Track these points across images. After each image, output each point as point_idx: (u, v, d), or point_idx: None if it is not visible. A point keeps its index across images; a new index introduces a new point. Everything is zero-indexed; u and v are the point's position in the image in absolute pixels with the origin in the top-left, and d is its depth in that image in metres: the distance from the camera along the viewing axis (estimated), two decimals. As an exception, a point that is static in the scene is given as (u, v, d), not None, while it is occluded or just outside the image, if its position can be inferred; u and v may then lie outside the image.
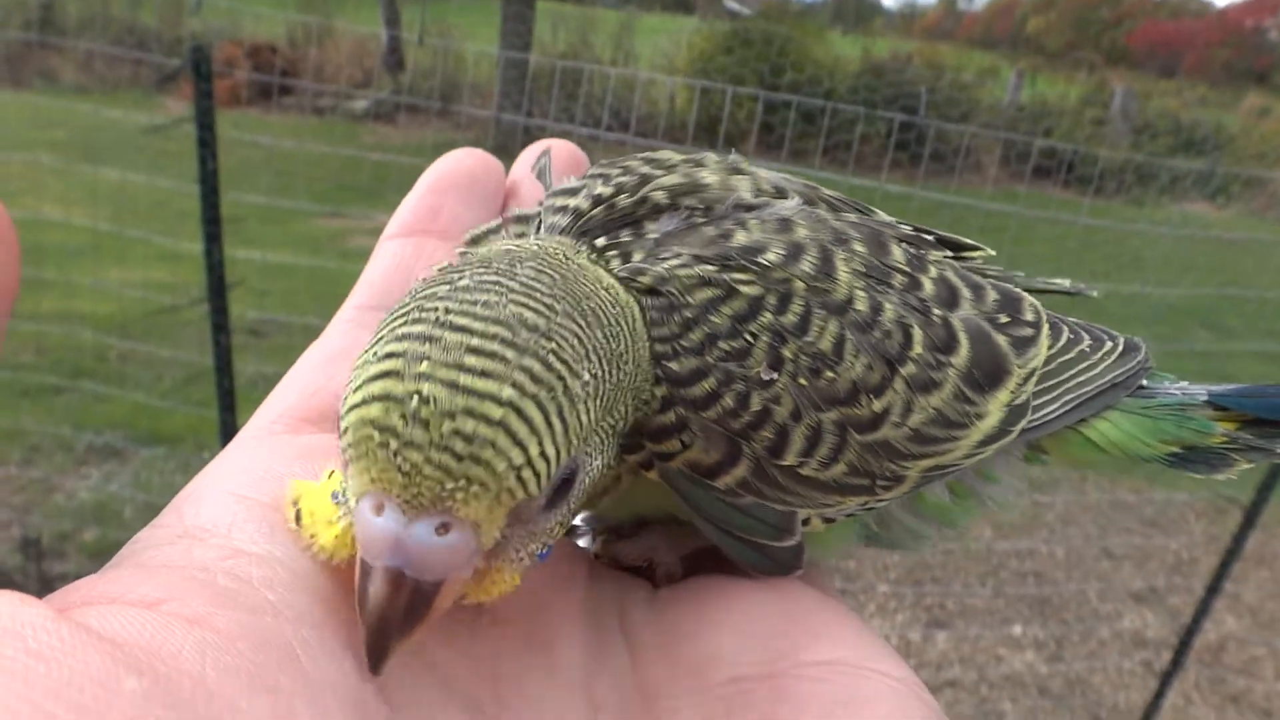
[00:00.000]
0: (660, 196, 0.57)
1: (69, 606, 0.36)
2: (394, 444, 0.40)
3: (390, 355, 0.42)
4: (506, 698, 0.47)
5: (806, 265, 0.54)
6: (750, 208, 0.57)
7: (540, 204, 0.60)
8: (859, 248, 0.57)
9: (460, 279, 0.46)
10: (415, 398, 0.41)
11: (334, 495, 0.46)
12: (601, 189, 0.58)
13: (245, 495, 0.46)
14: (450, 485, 0.40)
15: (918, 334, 0.56)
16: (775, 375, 0.51)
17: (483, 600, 0.46)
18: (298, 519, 0.45)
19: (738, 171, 0.60)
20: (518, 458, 0.41)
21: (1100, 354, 0.66)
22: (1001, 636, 3.98)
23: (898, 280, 0.58)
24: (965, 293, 0.61)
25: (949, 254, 0.67)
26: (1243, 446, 0.66)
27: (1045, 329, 0.64)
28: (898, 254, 0.59)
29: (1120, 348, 0.67)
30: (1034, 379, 0.61)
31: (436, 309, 0.44)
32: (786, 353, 0.52)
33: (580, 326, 0.46)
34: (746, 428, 0.51)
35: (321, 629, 0.41)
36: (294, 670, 0.38)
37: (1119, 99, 12.53)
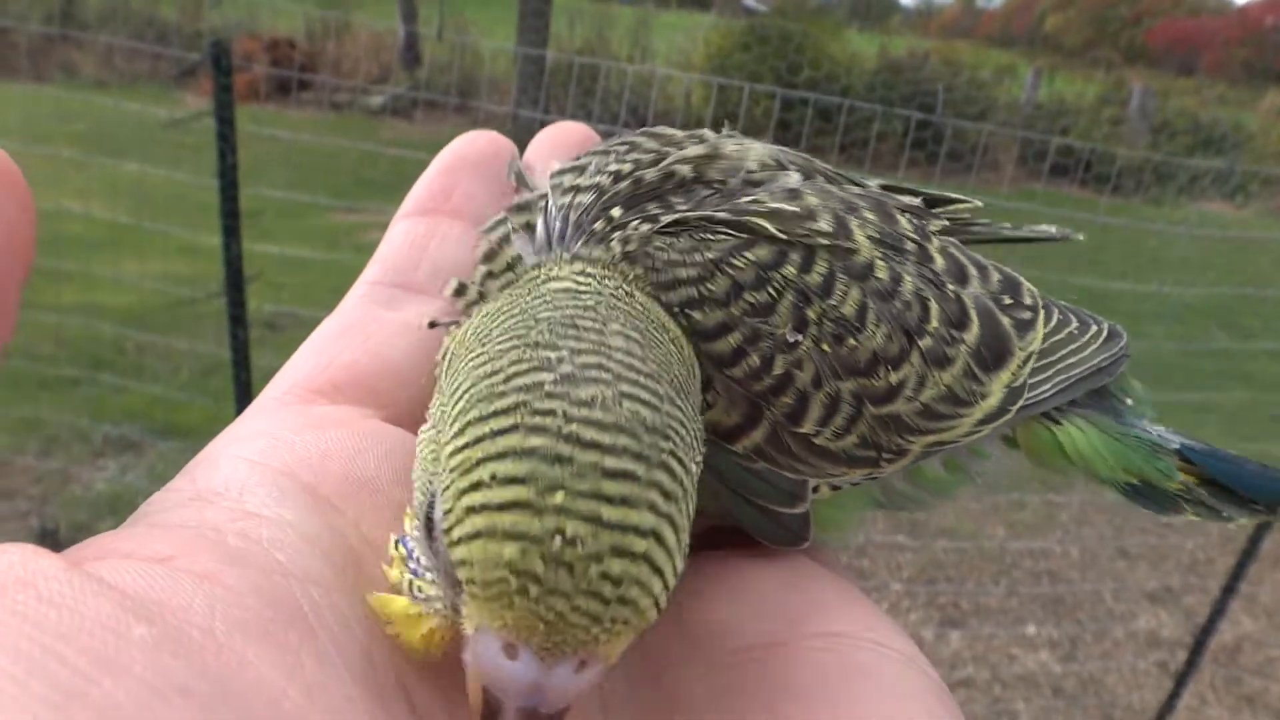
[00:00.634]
0: (686, 170, 0.56)
1: (82, 560, 0.36)
2: (534, 591, 0.38)
3: (514, 480, 0.39)
4: None
5: (824, 224, 0.54)
6: (757, 183, 0.57)
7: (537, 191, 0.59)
8: (870, 216, 0.57)
9: (560, 362, 0.42)
10: (558, 538, 0.38)
11: (401, 540, 0.45)
12: (617, 165, 0.57)
13: (257, 461, 0.46)
14: (595, 630, 0.38)
15: (935, 308, 0.56)
16: (800, 338, 0.51)
17: None
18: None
19: (739, 145, 0.60)
20: (658, 587, 0.39)
21: (1087, 337, 0.67)
22: (1015, 636, 3.97)
23: (911, 250, 0.58)
24: (972, 271, 0.61)
25: (941, 210, 0.67)
26: (1195, 500, 0.67)
27: (1042, 314, 0.64)
28: (905, 224, 0.59)
29: (1105, 332, 0.68)
30: (1031, 362, 0.62)
31: (553, 413, 0.40)
32: (811, 314, 0.51)
33: (681, 407, 0.43)
34: (768, 391, 0.51)
35: (330, 591, 0.41)
36: (302, 628, 0.38)
37: (1137, 97, 12.44)
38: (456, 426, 0.41)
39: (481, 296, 0.54)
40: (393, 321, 0.58)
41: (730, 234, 0.52)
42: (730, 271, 0.51)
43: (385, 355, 0.56)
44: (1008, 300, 0.62)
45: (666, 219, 0.53)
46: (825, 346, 0.51)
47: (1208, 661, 3.58)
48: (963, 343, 0.57)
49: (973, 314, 0.58)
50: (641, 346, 0.45)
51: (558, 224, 0.55)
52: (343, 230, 6.56)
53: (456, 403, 0.42)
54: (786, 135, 5.20)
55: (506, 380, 0.41)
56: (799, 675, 0.45)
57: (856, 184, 0.64)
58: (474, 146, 0.66)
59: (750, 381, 0.50)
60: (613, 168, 0.57)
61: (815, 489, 0.55)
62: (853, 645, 0.47)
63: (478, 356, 0.44)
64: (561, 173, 0.59)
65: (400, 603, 0.43)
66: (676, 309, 0.50)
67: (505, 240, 0.56)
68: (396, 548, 0.46)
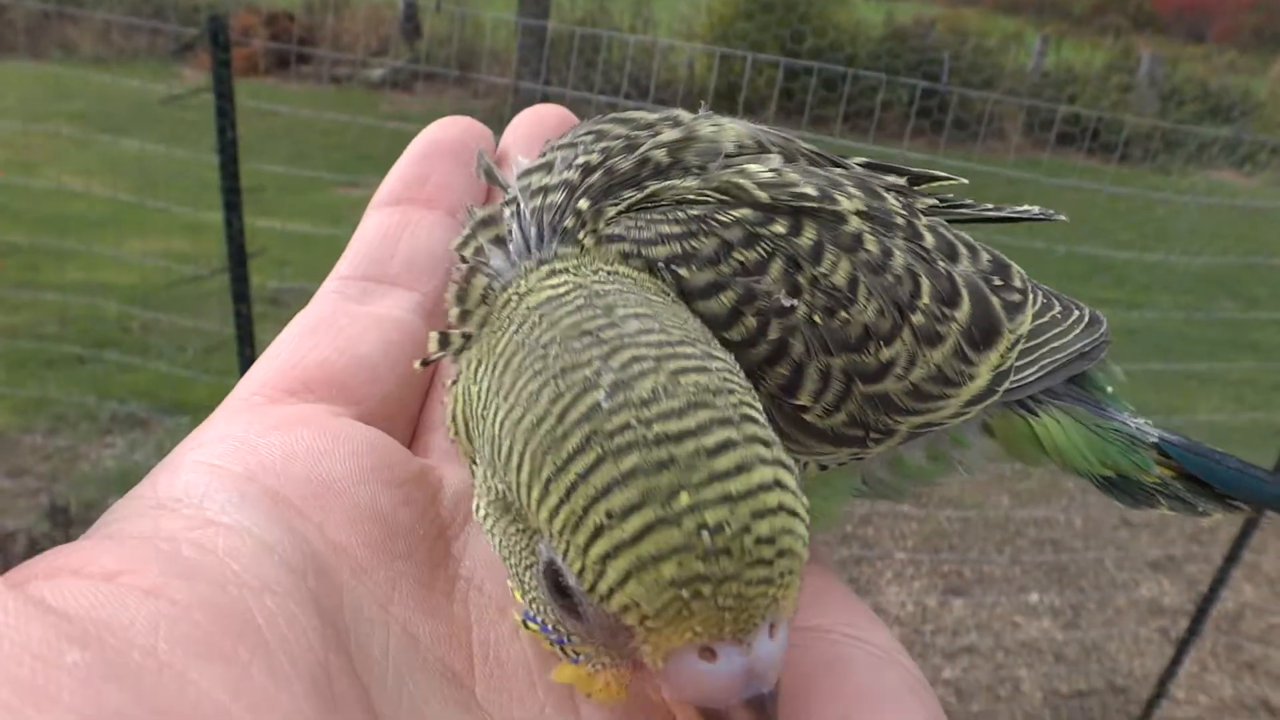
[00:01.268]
0: (661, 155, 0.54)
1: (30, 578, 0.36)
2: (707, 590, 0.38)
3: (629, 509, 0.38)
4: (482, 664, 0.47)
5: (810, 190, 0.53)
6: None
7: (503, 200, 0.56)
8: (855, 191, 0.56)
9: (599, 375, 0.41)
10: (704, 533, 0.37)
11: (527, 617, 0.45)
12: (585, 157, 0.54)
13: (219, 465, 0.46)
14: (773, 591, 0.38)
15: (926, 284, 0.55)
16: (795, 303, 0.50)
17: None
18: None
19: (718, 126, 0.58)
20: (801, 527, 0.39)
21: (1069, 322, 0.66)
22: (1018, 604, 3.99)
23: (900, 225, 0.56)
24: (962, 250, 0.60)
25: (926, 188, 0.66)
26: (1171, 495, 0.67)
27: (1031, 298, 0.63)
28: (893, 202, 0.58)
29: (1086, 318, 0.67)
30: (1019, 345, 0.61)
31: (628, 426, 0.39)
32: (802, 280, 0.50)
33: (721, 357, 0.43)
34: (763, 361, 0.50)
35: (286, 598, 0.40)
36: (253, 639, 0.37)
37: (1146, 65, 12.31)
38: (538, 491, 0.40)
39: (466, 339, 0.51)
40: (365, 316, 0.57)
41: (712, 196, 0.51)
42: (717, 228, 0.50)
43: (357, 351, 0.55)
44: (998, 281, 0.61)
45: (636, 196, 0.52)
46: (817, 318, 0.50)
47: (1209, 629, 3.59)
48: (954, 321, 0.56)
49: (964, 292, 0.57)
50: (653, 319, 0.44)
51: (532, 229, 0.52)
52: (345, 205, 6.55)
53: (520, 469, 0.41)
54: (790, 105, 5.16)
55: (560, 420, 0.40)
56: None
57: (839, 164, 0.62)
58: (449, 133, 0.64)
59: (745, 348, 0.49)
60: (581, 160, 0.54)
61: (804, 466, 0.54)
62: (828, 640, 0.47)
63: (510, 412, 0.42)
64: (529, 173, 0.57)
65: (569, 669, 0.44)
66: (662, 264, 0.49)
67: (472, 273, 0.53)
68: (526, 626, 0.46)
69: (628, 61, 4.94)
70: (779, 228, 0.50)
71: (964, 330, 0.56)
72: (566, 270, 0.50)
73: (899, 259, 0.54)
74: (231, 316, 2.93)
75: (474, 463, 0.49)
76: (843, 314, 0.51)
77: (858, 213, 0.54)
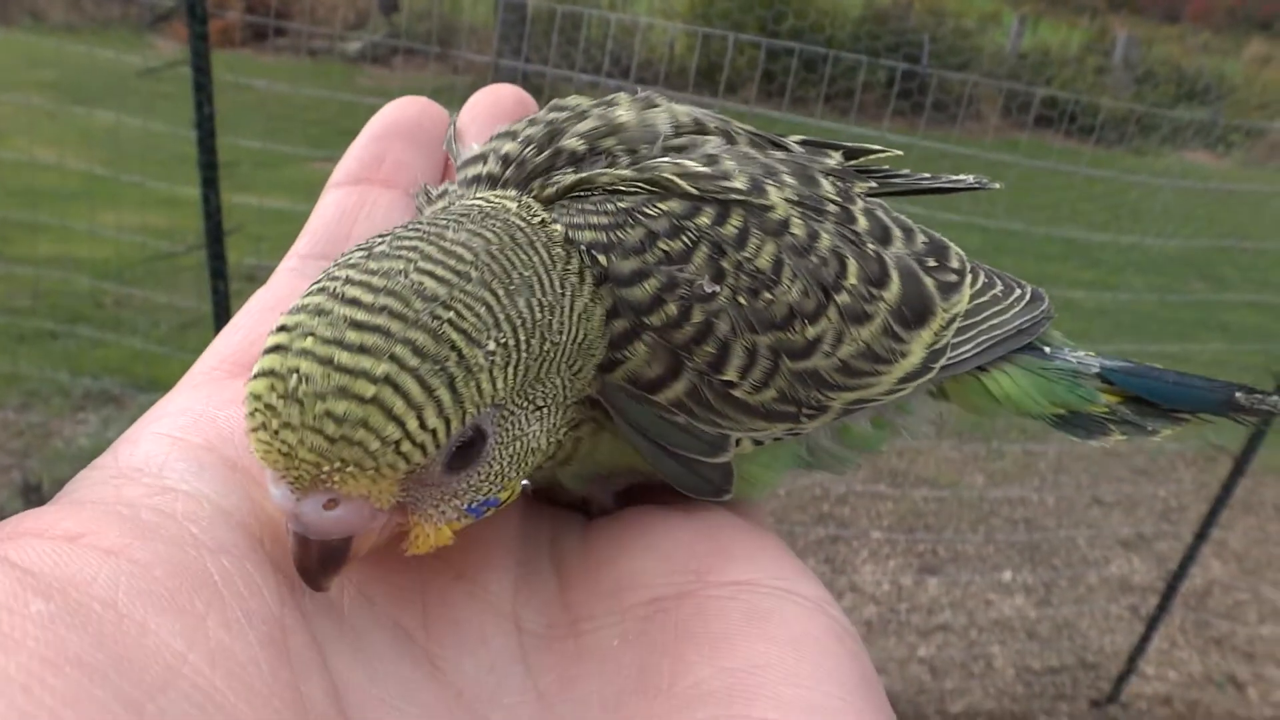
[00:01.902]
0: (575, 144, 0.56)
1: None
2: (274, 424, 0.41)
3: (283, 328, 0.43)
4: (434, 624, 0.49)
5: (739, 184, 0.54)
6: (678, 149, 0.57)
7: (439, 191, 0.60)
8: (789, 180, 0.58)
9: (380, 244, 0.46)
10: (295, 375, 0.41)
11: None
12: (509, 147, 0.57)
13: (179, 437, 0.48)
14: (326, 467, 0.41)
15: (852, 265, 0.57)
16: (717, 289, 0.52)
17: (418, 552, 0.48)
18: None
19: (652, 106, 0.60)
20: (393, 433, 0.42)
21: (1010, 300, 0.68)
22: (992, 582, 4.05)
23: (831, 211, 0.58)
24: (897, 232, 0.62)
25: (862, 161, 0.68)
26: (1120, 420, 0.69)
27: (969, 278, 0.65)
28: (828, 187, 0.60)
29: (1027, 296, 0.69)
30: (955, 324, 0.63)
31: (338, 278, 0.44)
32: (726, 265, 0.52)
33: (495, 295, 0.45)
34: (690, 341, 0.51)
35: (243, 560, 0.42)
36: (209, 595, 0.39)
37: (1121, 46, 12.36)
38: None
39: None
40: None
41: (642, 188, 0.53)
42: (644, 220, 0.52)
43: None
44: (933, 262, 0.63)
45: (569, 179, 0.53)
46: (742, 300, 0.52)
47: (1178, 606, 3.67)
48: (882, 300, 0.58)
49: (893, 273, 0.59)
50: (486, 244, 0.47)
51: None
52: (322, 180, 6.44)
53: None
54: (771, 87, 5.15)
55: (342, 257, 0.46)
56: (703, 623, 0.47)
57: (780, 146, 0.64)
58: (405, 113, 0.65)
59: (670, 330, 0.51)
60: (504, 150, 0.57)
61: (738, 442, 0.56)
62: (755, 591, 0.49)
63: None
64: (466, 164, 0.59)
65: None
66: (584, 249, 0.51)
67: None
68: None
69: (609, 40, 4.91)
70: (704, 219, 0.53)
71: (893, 309, 0.58)
72: (503, 200, 0.53)
73: (825, 241, 0.56)
74: (208, 293, 2.90)
75: None
76: (767, 294, 0.53)
77: (787, 200, 0.56)
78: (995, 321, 0.66)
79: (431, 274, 0.44)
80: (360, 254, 0.46)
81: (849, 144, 0.68)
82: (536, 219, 0.52)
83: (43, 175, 4.79)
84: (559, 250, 0.51)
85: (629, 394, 0.53)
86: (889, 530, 4.27)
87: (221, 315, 2.91)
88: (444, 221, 0.49)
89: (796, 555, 0.54)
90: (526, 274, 0.48)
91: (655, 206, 0.52)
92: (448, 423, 0.43)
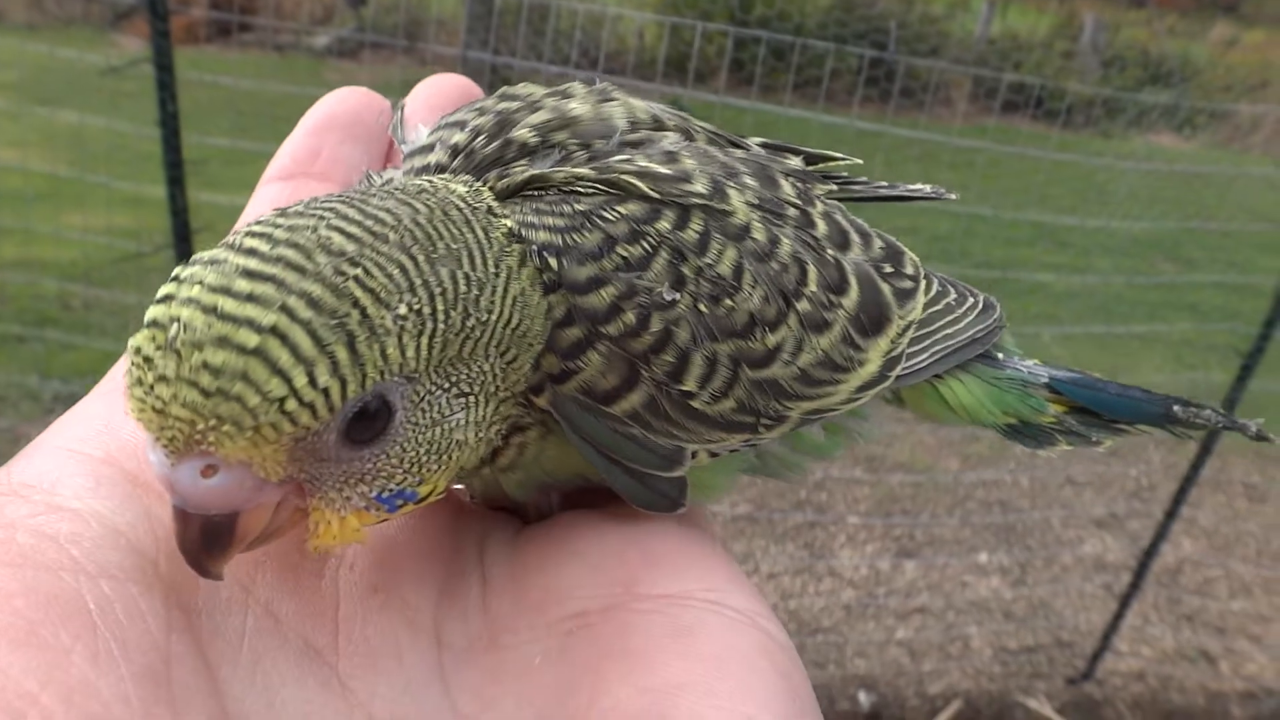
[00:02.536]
0: (526, 135, 0.54)
1: None
2: (149, 377, 0.38)
3: (175, 278, 0.40)
4: (347, 642, 0.46)
5: (700, 187, 0.53)
6: (635, 145, 0.55)
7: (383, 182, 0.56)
8: (750, 181, 0.56)
9: (298, 206, 0.44)
10: (175, 324, 0.38)
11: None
12: (458, 137, 0.55)
13: (78, 450, 0.45)
14: (201, 426, 0.38)
15: (813, 271, 0.55)
16: (677, 296, 0.50)
17: (326, 549, 0.44)
18: None
19: (608, 99, 0.58)
20: (277, 389, 0.38)
21: (963, 309, 0.68)
22: (968, 564, 4.09)
23: (792, 215, 0.57)
24: (855, 237, 0.61)
25: (822, 168, 0.67)
26: (1066, 430, 0.69)
27: (923, 284, 0.65)
28: (788, 189, 0.58)
29: (980, 304, 0.69)
30: (911, 331, 0.62)
31: (244, 231, 0.41)
32: (687, 271, 0.50)
33: (412, 260, 0.43)
34: (648, 351, 0.49)
35: (126, 583, 0.39)
36: (79, 624, 0.36)
37: (1089, 30, 12.45)
38: None
39: None
40: None
41: (601, 189, 0.51)
42: (602, 224, 0.49)
43: None
44: (889, 269, 0.62)
45: (523, 174, 0.51)
46: (703, 307, 0.50)
47: (1150, 583, 3.72)
48: (841, 308, 0.57)
49: (852, 280, 0.58)
50: (412, 213, 0.44)
51: None
52: (291, 178, 6.39)
53: None
54: (740, 74, 5.16)
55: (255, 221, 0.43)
56: (626, 640, 0.46)
57: (739, 145, 0.63)
58: (344, 105, 0.63)
59: (628, 340, 0.49)
60: (454, 140, 0.55)
61: (694, 455, 0.54)
62: (682, 605, 0.47)
63: None
64: (412, 155, 0.57)
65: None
66: (535, 249, 0.49)
67: None
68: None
69: (577, 31, 4.89)
70: (665, 223, 0.51)
71: (852, 317, 0.57)
72: (445, 183, 0.51)
73: (786, 247, 0.54)
74: (178, 293, 2.87)
75: None
76: (728, 301, 0.51)
77: (748, 203, 0.54)
78: (949, 331, 0.66)
79: (342, 230, 0.42)
80: (273, 212, 0.44)
81: (809, 149, 0.68)
82: (482, 205, 0.49)
83: (5, 177, 4.72)
84: (499, 235, 0.48)
85: (581, 405, 0.50)
86: (866, 515, 4.30)
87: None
88: (373, 191, 0.47)
89: (734, 559, 0.53)
90: (454, 246, 0.45)
91: (614, 210, 0.50)
92: (343, 383, 0.39)
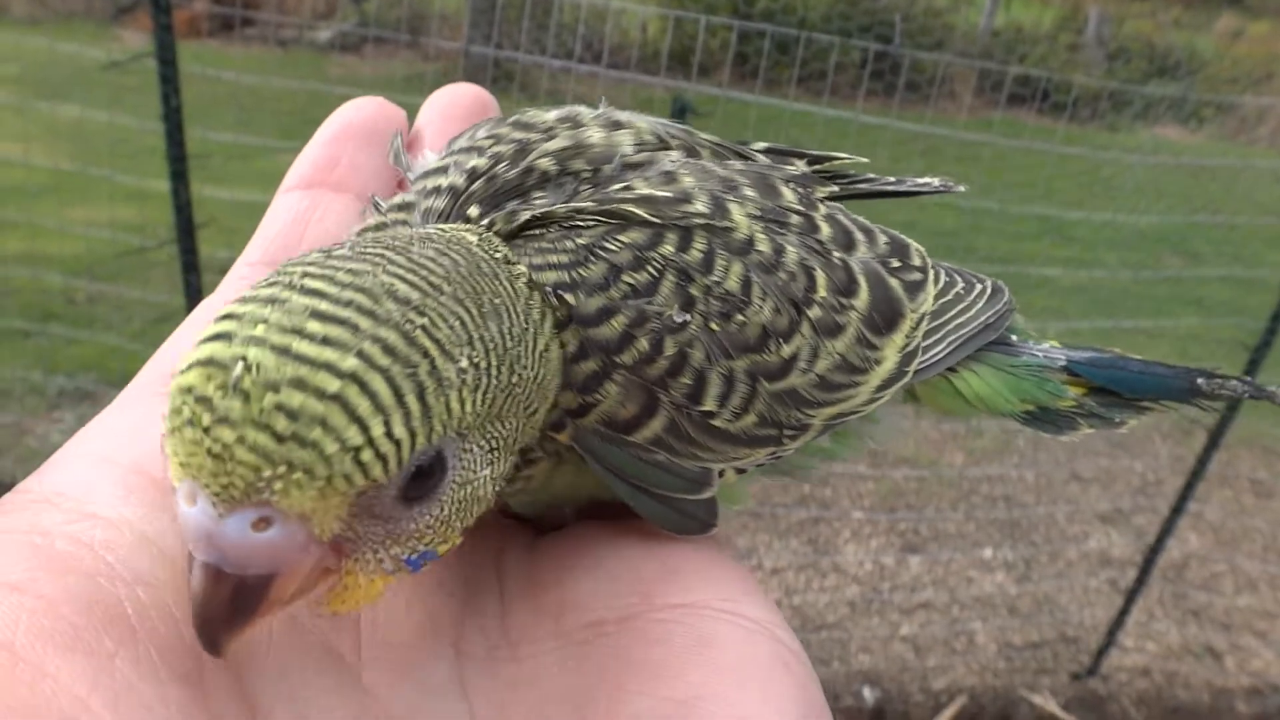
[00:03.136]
0: (547, 164, 0.54)
1: None
2: (206, 418, 0.35)
3: (229, 316, 0.38)
4: (370, 648, 0.47)
5: (700, 206, 0.53)
6: (636, 166, 0.55)
7: (396, 203, 0.56)
8: (750, 193, 0.56)
9: (340, 249, 0.42)
10: (240, 364, 0.36)
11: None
12: (476, 161, 0.54)
13: (108, 457, 0.45)
14: (268, 473, 0.35)
15: (821, 276, 0.55)
16: (688, 317, 0.50)
17: (340, 610, 0.43)
18: None
19: (617, 125, 0.58)
20: (355, 437, 0.36)
21: (973, 296, 0.67)
22: (973, 559, 4.08)
23: (795, 222, 0.57)
24: (859, 236, 0.61)
25: (826, 167, 0.67)
26: (1087, 412, 0.69)
27: (931, 275, 0.65)
28: (789, 196, 0.58)
29: (989, 290, 0.69)
30: (924, 323, 0.62)
31: (295, 272, 0.39)
32: (695, 291, 0.50)
33: (468, 313, 0.42)
34: (664, 375, 0.49)
35: (161, 590, 0.39)
36: (120, 631, 0.37)
37: (1093, 23, 12.42)
38: None
39: None
40: None
41: (601, 220, 0.51)
42: (605, 255, 0.49)
43: None
44: (896, 263, 0.62)
45: (526, 215, 0.51)
46: (714, 325, 0.50)
47: (1156, 579, 3.71)
48: (853, 309, 0.57)
49: (861, 280, 0.58)
50: (454, 264, 0.43)
51: None
52: (295, 172, 6.38)
53: None
54: (744, 68, 5.14)
55: (293, 260, 0.41)
56: (644, 650, 0.46)
57: (743, 155, 0.63)
58: (361, 114, 0.63)
59: (643, 366, 0.49)
60: (470, 164, 0.54)
61: (721, 474, 0.54)
62: (700, 615, 0.47)
63: None
64: (426, 175, 0.57)
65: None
66: (549, 290, 0.49)
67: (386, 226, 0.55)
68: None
69: (580, 24, 4.88)
70: (668, 247, 0.51)
71: (865, 317, 0.57)
72: (460, 233, 0.50)
73: (792, 255, 0.55)
74: (181, 288, 2.87)
75: None
76: (739, 317, 0.51)
77: (749, 216, 0.54)
78: (961, 320, 0.66)
79: (402, 279, 0.40)
80: (318, 254, 0.42)
81: (813, 151, 0.68)
82: (499, 254, 0.49)
83: (8, 172, 4.73)
84: (522, 286, 0.48)
85: (603, 436, 0.50)
86: (870, 510, 4.30)
87: (194, 310, 2.88)
88: (406, 237, 0.46)
89: (750, 570, 0.53)
90: (496, 301, 0.44)
91: (616, 239, 0.50)
92: (413, 436, 0.38)
